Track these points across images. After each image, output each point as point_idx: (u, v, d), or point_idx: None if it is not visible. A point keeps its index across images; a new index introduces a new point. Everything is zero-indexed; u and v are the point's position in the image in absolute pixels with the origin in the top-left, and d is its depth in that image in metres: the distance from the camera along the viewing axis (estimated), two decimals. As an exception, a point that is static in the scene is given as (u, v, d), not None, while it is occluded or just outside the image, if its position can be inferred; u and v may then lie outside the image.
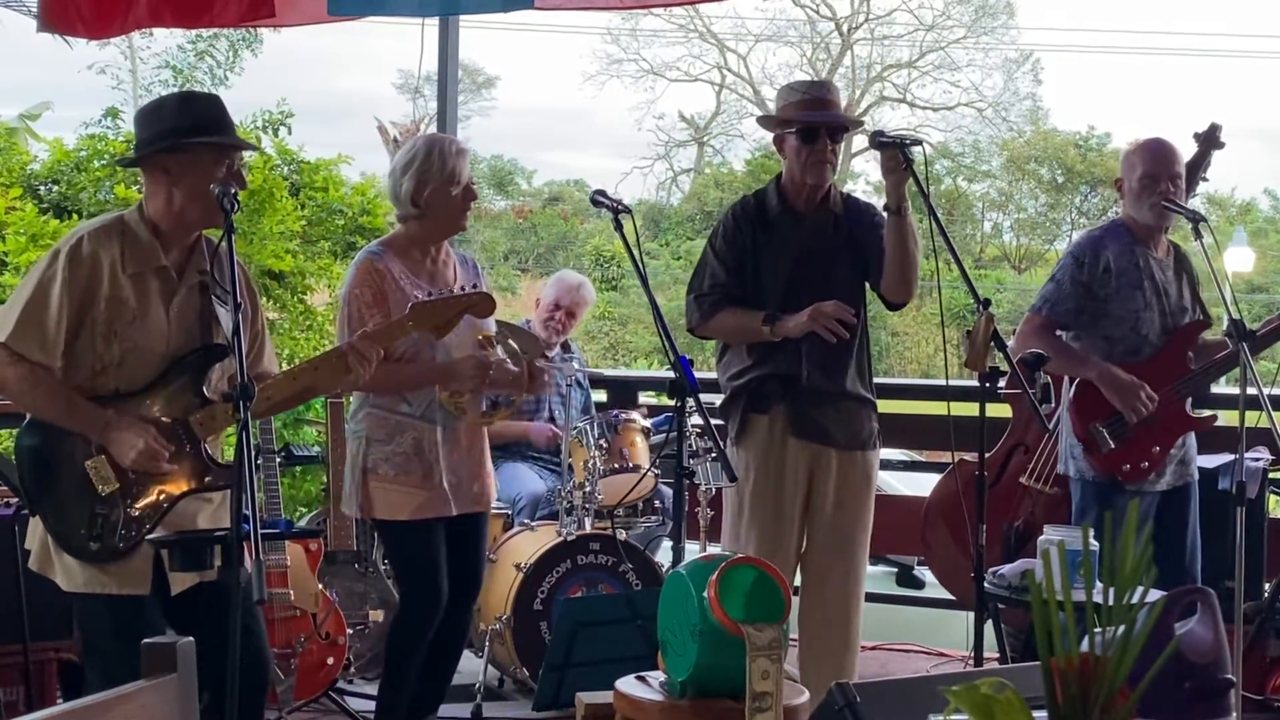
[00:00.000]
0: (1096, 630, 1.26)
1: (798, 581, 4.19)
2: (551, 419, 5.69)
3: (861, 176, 31.89)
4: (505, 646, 4.76)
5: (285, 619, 4.58)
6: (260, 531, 2.82)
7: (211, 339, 3.22)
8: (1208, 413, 4.59)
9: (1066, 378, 4.45)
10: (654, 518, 5.34)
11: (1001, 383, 3.86)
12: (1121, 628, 1.24)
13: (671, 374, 3.59)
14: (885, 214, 4.01)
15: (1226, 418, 4.95)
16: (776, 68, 35.14)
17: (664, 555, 5.31)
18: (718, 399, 4.26)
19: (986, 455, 3.87)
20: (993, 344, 3.68)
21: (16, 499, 3.97)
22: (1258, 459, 4.80)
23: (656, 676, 2.30)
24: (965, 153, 34.64)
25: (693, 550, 3.86)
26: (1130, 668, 1.25)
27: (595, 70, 40.12)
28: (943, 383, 4.59)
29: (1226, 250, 22.13)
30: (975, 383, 3.75)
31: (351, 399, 4.19)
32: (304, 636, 4.61)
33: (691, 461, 4.53)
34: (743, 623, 2.09)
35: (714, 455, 4.65)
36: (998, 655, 4.40)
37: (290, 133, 8.55)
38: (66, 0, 5.24)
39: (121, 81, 22.15)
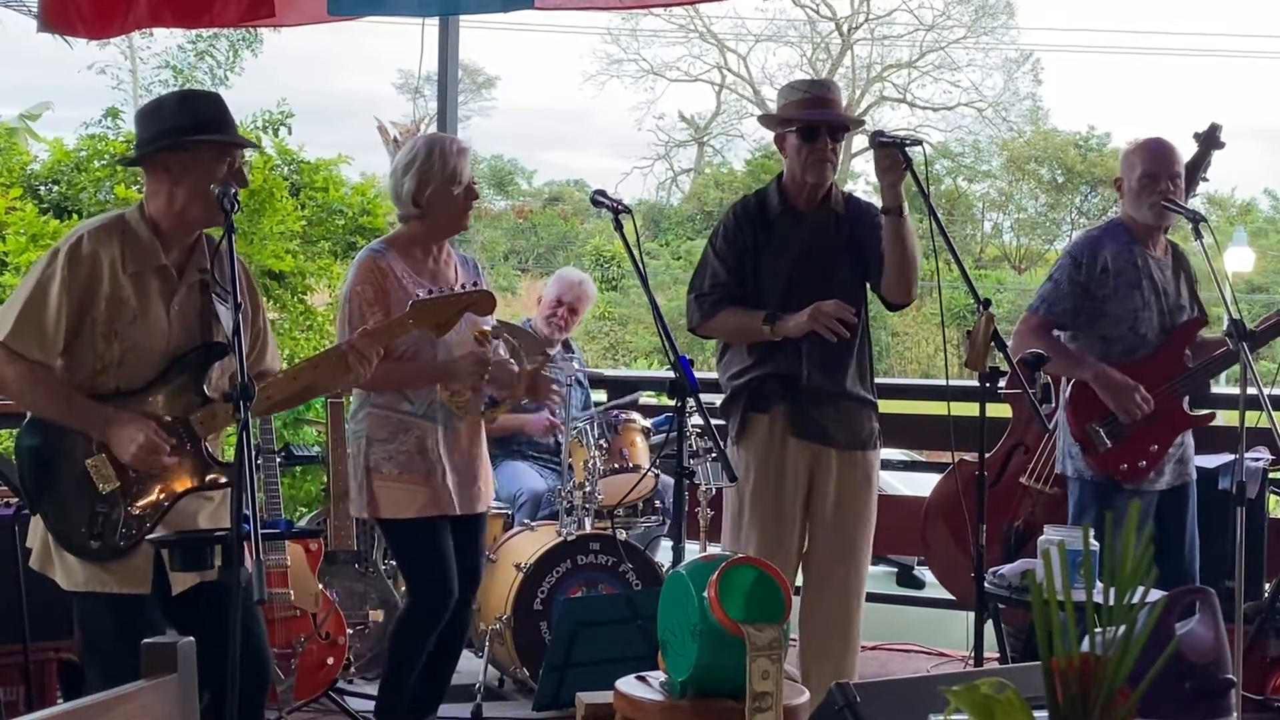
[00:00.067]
0: (1096, 630, 1.26)
1: (799, 581, 4.19)
2: (552, 417, 5.70)
3: (862, 176, 31.90)
4: (505, 646, 4.76)
5: (285, 619, 4.58)
6: (260, 531, 2.82)
7: (212, 337, 3.22)
8: (1206, 411, 4.59)
9: (1064, 378, 4.45)
10: (654, 518, 5.35)
11: (1001, 383, 3.86)
12: (1122, 628, 1.24)
13: (671, 374, 3.59)
14: (883, 216, 4.01)
15: (1226, 418, 4.95)
16: (776, 68, 35.18)
17: (664, 555, 5.31)
18: (718, 399, 4.26)
19: (986, 455, 3.87)
20: (993, 344, 3.68)
21: (16, 499, 3.97)
22: (1258, 459, 4.80)
23: (656, 676, 2.30)
24: (965, 153, 34.65)
25: (693, 550, 3.86)
26: (1130, 668, 1.25)
27: (595, 70, 40.13)
28: (943, 383, 4.59)
29: (1226, 250, 22.13)
30: (975, 383, 3.74)
31: (351, 399, 4.19)
32: (304, 636, 4.61)
33: (691, 461, 4.53)
34: (743, 623, 2.09)
35: (714, 455, 4.65)
36: (998, 655, 4.40)
37: (290, 133, 8.57)
38: (66, 0, 5.24)
39: (121, 81, 22.18)
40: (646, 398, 6.55)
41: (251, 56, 19.36)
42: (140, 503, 3.14)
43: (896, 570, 7.32)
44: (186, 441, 3.16)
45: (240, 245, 3.28)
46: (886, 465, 6.01)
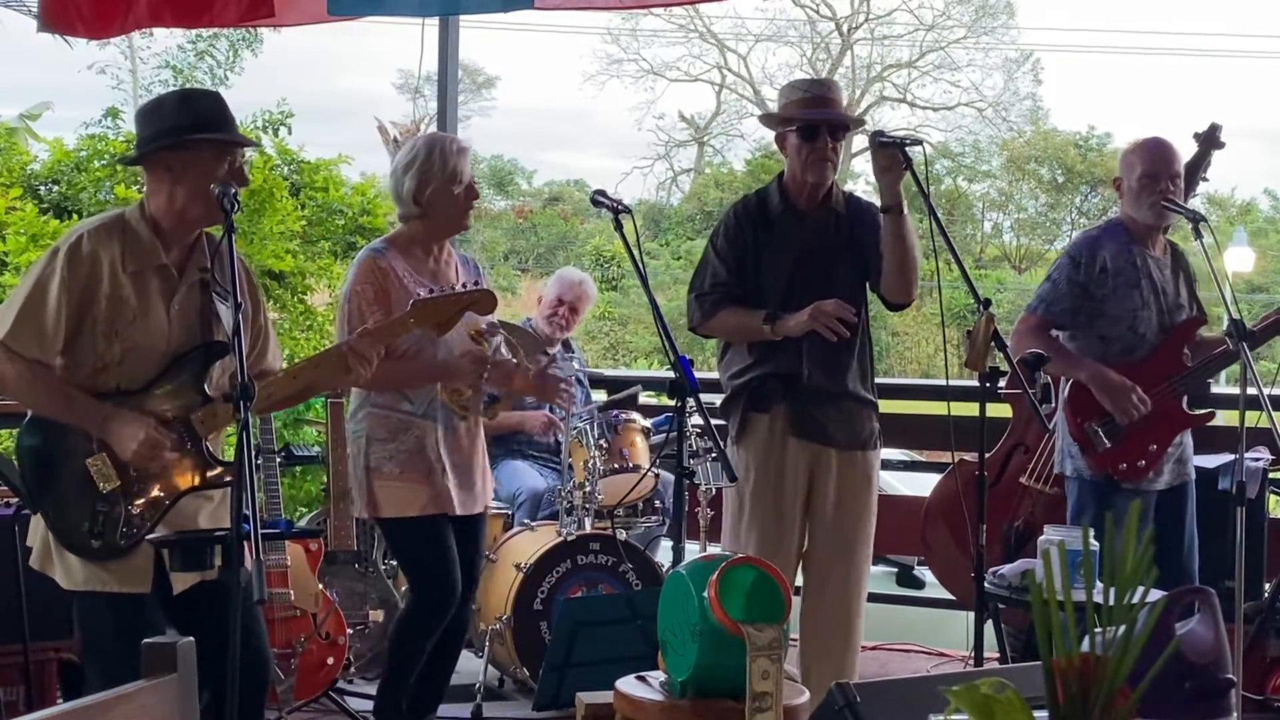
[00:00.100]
0: (1096, 630, 1.26)
1: (799, 581, 4.19)
2: (550, 413, 5.70)
3: (862, 176, 31.89)
4: (505, 646, 4.76)
5: (285, 619, 4.58)
6: (260, 531, 2.82)
7: (212, 337, 3.22)
8: (1205, 410, 4.59)
9: (1062, 377, 4.45)
10: (654, 518, 5.34)
11: (1001, 383, 3.86)
12: (1122, 628, 1.24)
13: (671, 374, 3.59)
14: (882, 214, 4.00)
15: (1226, 418, 4.95)
16: (776, 68, 35.18)
17: (664, 555, 5.31)
18: (718, 399, 4.26)
19: (986, 455, 3.87)
20: (993, 344, 3.68)
21: (16, 499, 3.97)
22: (1258, 459, 4.80)
23: (656, 676, 2.30)
24: (965, 153, 34.65)
25: (693, 550, 3.86)
26: (1130, 668, 1.25)
27: (595, 70, 40.16)
28: (943, 383, 4.59)
29: (1226, 250, 22.13)
30: (975, 383, 3.74)
31: (351, 398, 4.19)
32: (304, 636, 4.61)
33: (691, 461, 4.53)
34: (743, 623, 2.09)
35: (714, 455, 4.65)
36: (998, 655, 4.40)
37: (290, 133, 8.58)
38: (66, 0, 5.24)
39: (121, 81, 22.18)
40: (646, 397, 6.56)
41: (251, 56, 19.37)
42: (141, 501, 3.14)
43: (896, 570, 7.32)
44: (187, 440, 3.17)
45: (240, 245, 3.29)
46: (886, 465, 6.01)
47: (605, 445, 5.09)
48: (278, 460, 4.91)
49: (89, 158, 7.94)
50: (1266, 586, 4.71)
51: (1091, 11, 50.17)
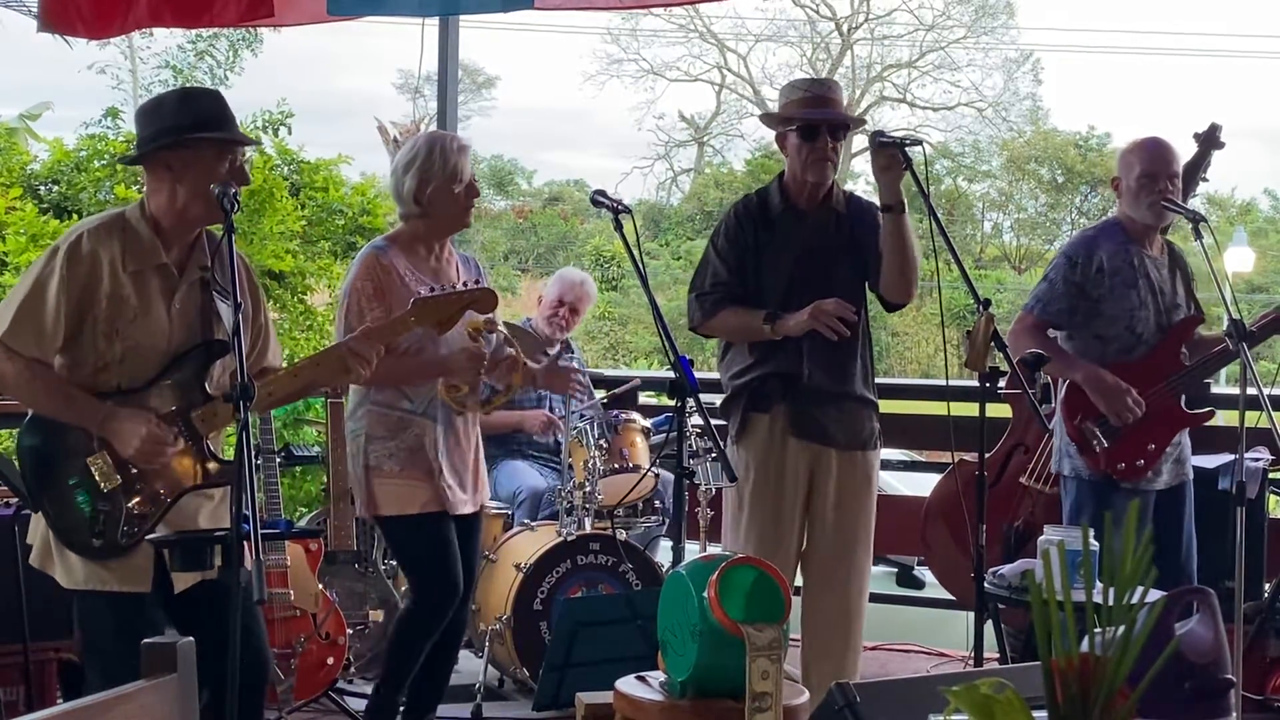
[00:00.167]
0: (1096, 630, 1.26)
1: (798, 581, 4.19)
2: (550, 413, 5.70)
3: (862, 176, 31.89)
4: (505, 646, 4.76)
5: (285, 619, 4.58)
6: (260, 531, 2.82)
7: (213, 335, 3.22)
8: (1204, 410, 4.59)
9: (1060, 377, 4.45)
10: (654, 518, 5.35)
11: (1001, 383, 3.86)
12: (1121, 628, 1.24)
13: (671, 374, 3.59)
14: (882, 213, 4.00)
15: (1226, 418, 4.95)
16: (776, 68, 35.18)
17: (664, 555, 5.31)
18: (718, 399, 4.26)
19: (986, 455, 3.87)
20: (993, 344, 3.68)
21: (16, 499, 3.97)
22: (1258, 459, 4.80)
23: (656, 676, 2.30)
24: (965, 153, 34.65)
25: (693, 550, 3.86)
26: (1130, 668, 1.25)
27: (595, 70, 40.12)
28: (943, 383, 4.59)
29: (1226, 250, 22.14)
30: (975, 383, 3.74)
31: (349, 396, 4.19)
32: (304, 636, 4.61)
33: (691, 461, 4.53)
34: (743, 623, 2.09)
35: (714, 455, 4.65)
36: (998, 655, 4.40)
37: (290, 133, 8.59)
38: (66, 0, 5.24)
39: (121, 81, 22.18)
40: (646, 398, 6.56)
41: (251, 56, 19.39)
42: (141, 500, 3.14)
43: (896, 570, 7.32)
44: (187, 439, 3.17)
45: (240, 245, 3.28)
46: (886, 465, 6.01)
47: (605, 445, 5.09)
48: (278, 460, 4.91)
49: (89, 158, 7.94)
50: (1266, 586, 4.71)
51: (1091, 11, 50.22)
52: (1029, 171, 33.11)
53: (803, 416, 4.11)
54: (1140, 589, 1.24)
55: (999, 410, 4.76)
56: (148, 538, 3.12)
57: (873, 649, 5.61)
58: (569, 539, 4.81)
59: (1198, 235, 4.23)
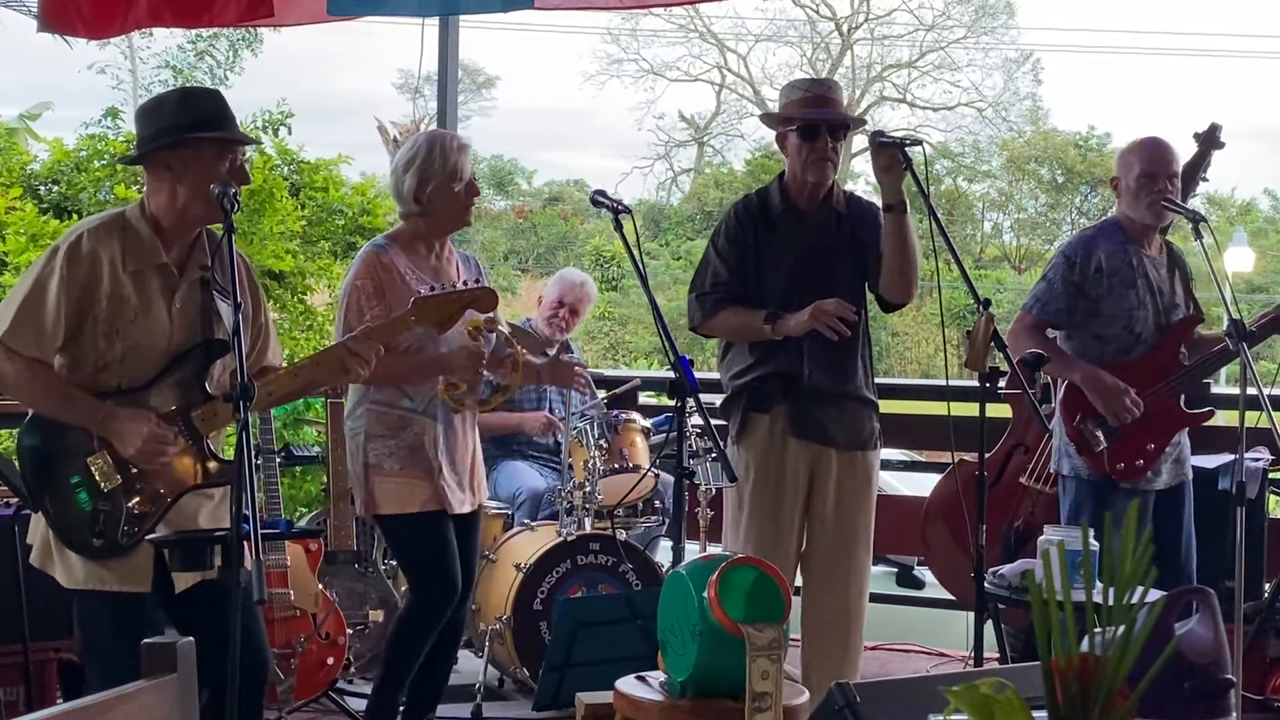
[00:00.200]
0: (1096, 630, 1.26)
1: (798, 581, 4.19)
2: (550, 414, 5.70)
3: (862, 176, 31.90)
4: (505, 646, 4.76)
5: (285, 619, 4.58)
6: (260, 531, 2.82)
7: (213, 335, 3.22)
8: (1204, 409, 4.59)
9: (1059, 377, 4.45)
10: (654, 518, 5.35)
11: (1001, 383, 3.86)
12: (1121, 628, 1.24)
13: (671, 374, 3.59)
14: (884, 213, 4.00)
15: (1226, 418, 4.95)
16: (776, 68, 35.20)
17: (664, 555, 5.31)
18: (718, 399, 4.26)
19: (986, 455, 3.87)
20: (993, 344, 3.68)
21: (16, 499, 3.97)
22: (1258, 459, 4.80)
23: (656, 676, 2.30)
24: (965, 153, 34.66)
25: (693, 550, 3.86)
26: (1130, 668, 1.25)
27: (595, 70, 40.21)
28: (943, 383, 4.59)
29: (1226, 250, 22.14)
30: (975, 383, 3.74)
31: (348, 395, 4.19)
32: (304, 636, 4.61)
33: (691, 461, 4.53)
34: (743, 623, 2.09)
35: (714, 455, 4.65)
36: (998, 655, 4.40)
37: (290, 133, 8.59)
38: (66, 0, 5.24)
39: (121, 81, 22.20)
40: (646, 398, 6.55)
41: (251, 56, 19.40)
42: (141, 500, 3.14)
43: (896, 570, 7.32)
44: (188, 439, 3.17)
45: (240, 245, 3.28)
46: (886, 465, 6.01)
47: (605, 445, 5.09)
48: (278, 460, 4.91)
49: (89, 158, 7.95)
50: (1266, 586, 4.71)
51: (1091, 11, 50.23)
52: (1029, 171, 33.11)
53: (803, 416, 4.11)
54: (1140, 589, 1.24)
55: (999, 410, 4.75)
56: (148, 537, 3.12)
57: (873, 649, 5.61)
58: (569, 539, 4.81)
59: (1198, 235, 4.23)
